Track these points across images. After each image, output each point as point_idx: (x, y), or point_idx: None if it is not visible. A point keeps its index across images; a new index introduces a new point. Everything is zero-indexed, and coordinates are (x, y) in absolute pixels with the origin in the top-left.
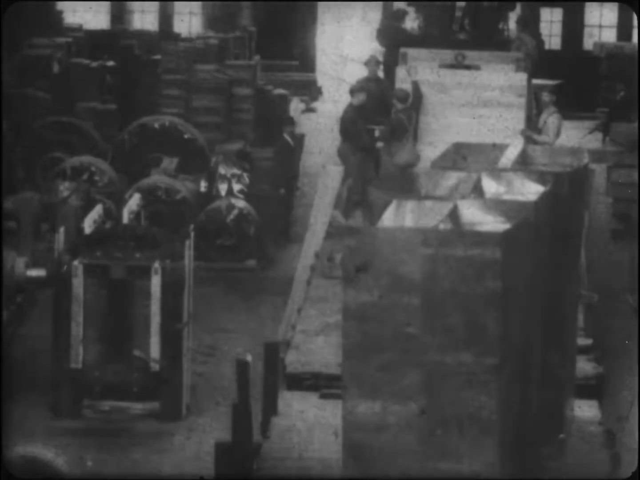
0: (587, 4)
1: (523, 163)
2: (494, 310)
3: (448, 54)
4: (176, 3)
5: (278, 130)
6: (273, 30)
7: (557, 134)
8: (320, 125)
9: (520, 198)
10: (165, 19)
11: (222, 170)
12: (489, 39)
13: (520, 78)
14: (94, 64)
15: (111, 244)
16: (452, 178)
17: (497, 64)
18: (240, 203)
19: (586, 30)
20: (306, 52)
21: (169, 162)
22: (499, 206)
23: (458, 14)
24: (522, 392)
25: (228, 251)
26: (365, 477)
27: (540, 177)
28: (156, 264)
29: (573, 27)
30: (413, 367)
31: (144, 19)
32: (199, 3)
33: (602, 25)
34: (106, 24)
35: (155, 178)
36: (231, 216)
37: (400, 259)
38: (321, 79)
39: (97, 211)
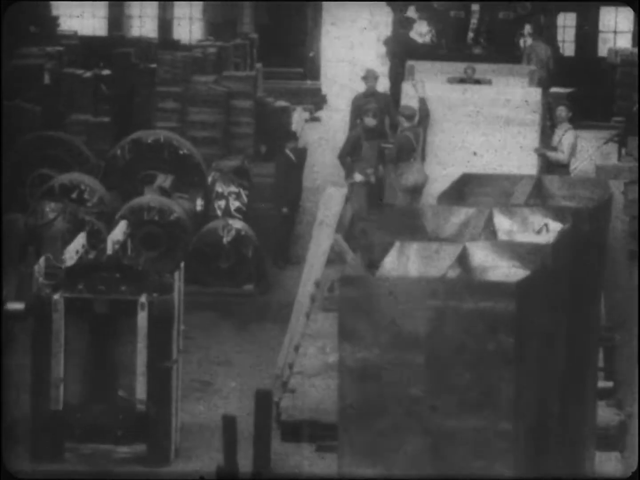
0: (602, 8)
1: (539, 196)
2: (506, 369)
3: (457, 67)
4: (177, 8)
5: (279, 144)
6: (276, 37)
7: (573, 152)
8: (325, 135)
9: (535, 238)
10: (165, 24)
11: (219, 188)
12: (505, 53)
13: (534, 93)
14: (87, 74)
15: (94, 276)
16: (460, 214)
17: (509, 77)
18: (238, 224)
19: (601, 36)
20: (310, 59)
21: (164, 180)
22: (513, 249)
23: (472, 26)
24: (539, 456)
25: (224, 275)
26: None
27: (559, 214)
28: (143, 298)
29: (587, 33)
30: (417, 433)
31: (143, 24)
32: (200, 8)
33: (617, 30)
34: (103, 30)
35: (148, 198)
36: (228, 238)
37: (403, 311)
38: (326, 87)
39: (80, 240)
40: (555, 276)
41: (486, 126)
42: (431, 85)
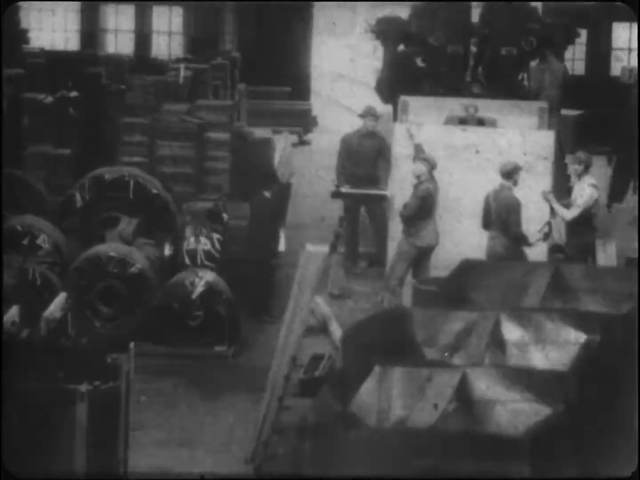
0: (615, 24)
1: (556, 289)
2: None
3: (456, 104)
4: (155, 21)
5: (260, 182)
6: (262, 52)
7: (585, 207)
8: (314, 162)
9: (553, 351)
10: (142, 40)
11: (189, 233)
12: (506, 93)
13: (546, 136)
14: (49, 99)
15: (26, 360)
16: (459, 320)
17: (516, 115)
18: (209, 275)
19: (613, 54)
20: (299, 77)
21: (127, 223)
22: (526, 377)
23: (471, 62)
24: None
25: (193, 334)
26: None
27: (583, 321)
28: (82, 387)
29: (599, 50)
30: None
31: (119, 39)
32: (180, 22)
33: (631, 48)
34: (76, 44)
35: (107, 247)
36: (198, 292)
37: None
38: (317, 107)
39: (12, 314)
40: (579, 412)
41: (492, 174)
42: (428, 128)
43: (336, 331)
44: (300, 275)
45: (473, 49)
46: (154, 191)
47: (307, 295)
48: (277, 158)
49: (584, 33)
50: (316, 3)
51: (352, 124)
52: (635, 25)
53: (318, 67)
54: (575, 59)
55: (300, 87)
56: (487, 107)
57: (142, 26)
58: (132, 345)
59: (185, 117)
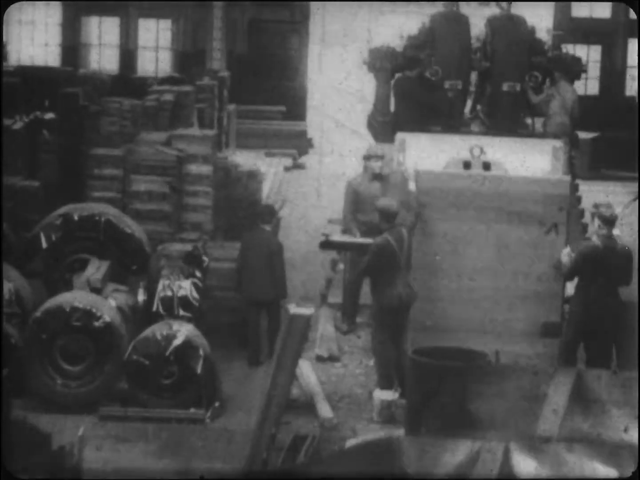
0: (631, 40)
1: (578, 398)
2: None
3: (459, 143)
4: (141, 36)
5: (247, 220)
6: (255, 69)
7: None
8: (309, 188)
9: None
10: (127, 55)
11: (165, 279)
12: (509, 131)
13: (562, 185)
14: (19, 125)
15: None
16: (460, 449)
17: (526, 156)
18: (186, 328)
19: (629, 72)
20: (295, 95)
21: (97, 268)
22: None
23: (470, 99)
24: None
25: (167, 394)
26: None
27: (612, 454)
28: None
29: (613, 68)
30: None
31: (103, 54)
32: (168, 37)
33: None
34: (57, 60)
35: (71, 296)
36: (172, 347)
37: None
38: (313, 127)
39: None
40: None
41: (499, 227)
42: (428, 174)
43: (322, 407)
44: (283, 340)
45: (473, 84)
46: (127, 231)
47: (290, 363)
48: (266, 189)
49: (597, 50)
50: (313, 16)
51: (350, 145)
52: None
53: (316, 82)
54: (588, 77)
55: (295, 106)
56: (493, 146)
57: (128, 40)
58: (81, 430)
59: (163, 148)
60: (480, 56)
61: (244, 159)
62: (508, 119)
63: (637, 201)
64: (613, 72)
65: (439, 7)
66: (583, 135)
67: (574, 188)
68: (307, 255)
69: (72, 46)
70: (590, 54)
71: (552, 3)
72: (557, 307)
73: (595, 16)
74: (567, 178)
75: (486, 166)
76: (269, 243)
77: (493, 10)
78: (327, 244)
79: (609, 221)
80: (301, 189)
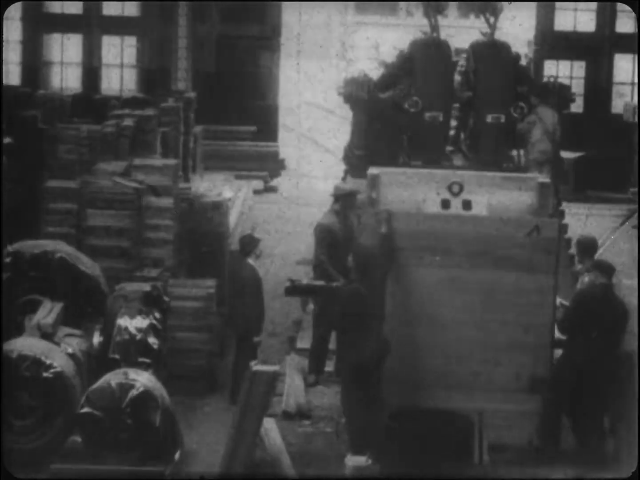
0: (618, 55)
1: None
2: None
3: (437, 178)
4: (105, 53)
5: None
6: (223, 88)
7: None
8: (281, 213)
9: None
10: (90, 73)
11: (121, 322)
12: (493, 164)
13: (549, 226)
14: None
15: None
16: None
17: (509, 192)
18: (143, 377)
19: (615, 89)
20: (266, 114)
21: (49, 310)
22: None
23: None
24: None
25: (123, 449)
26: None
27: None
28: None
29: (599, 85)
30: None
31: (66, 73)
32: (134, 54)
33: (634, 82)
34: (17, 79)
35: (18, 344)
36: (128, 398)
37: None
38: (285, 147)
39: None
40: None
41: (482, 273)
42: (402, 215)
43: (288, 472)
44: (244, 398)
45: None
46: (82, 269)
47: (253, 422)
48: (234, 215)
49: (582, 65)
50: (285, 30)
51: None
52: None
53: (288, 99)
54: (573, 94)
55: (266, 125)
56: (473, 181)
57: (91, 58)
58: None
59: (120, 179)
60: (463, 85)
61: (210, 184)
62: (492, 152)
63: (635, 228)
64: (598, 88)
65: (415, 21)
66: (567, 154)
67: (563, 227)
68: (277, 288)
69: (33, 65)
70: (574, 70)
71: (534, 14)
72: (545, 360)
73: (580, 30)
74: (556, 220)
75: (467, 205)
76: (251, 276)
77: (472, 22)
78: (293, 290)
79: (609, 270)
80: (273, 214)
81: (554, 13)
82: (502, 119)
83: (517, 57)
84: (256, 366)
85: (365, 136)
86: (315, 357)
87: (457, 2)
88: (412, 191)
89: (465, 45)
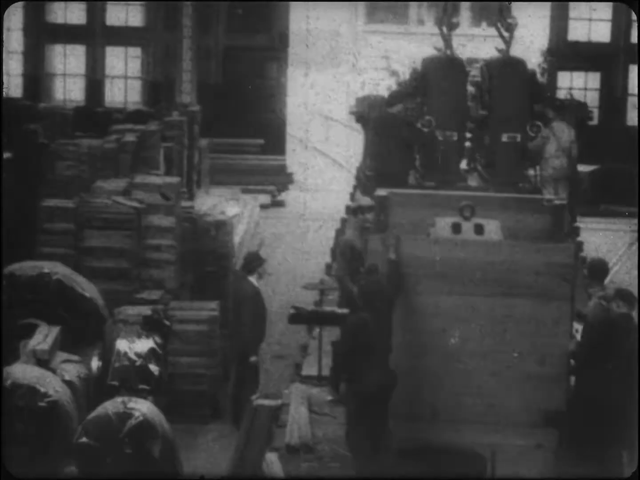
0: (632, 66)
1: None
2: None
3: (448, 201)
4: (109, 65)
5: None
6: (230, 100)
7: None
8: (289, 228)
9: None
10: (94, 85)
11: (121, 347)
12: (509, 185)
13: (564, 253)
14: None
15: None
16: None
17: (522, 215)
18: (142, 405)
19: (630, 100)
20: (274, 127)
21: (45, 334)
22: None
23: (468, 150)
24: None
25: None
26: None
27: None
28: None
29: (613, 96)
30: None
31: (68, 84)
32: (137, 66)
33: None
34: (19, 91)
35: (13, 371)
36: (127, 428)
37: None
38: (293, 160)
39: None
40: None
41: (494, 301)
42: (411, 240)
43: None
44: (245, 432)
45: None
46: (80, 292)
47: (254, 457)
48: (240, 231)
49: (597, 77)
50: (293, 41)
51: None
52: None
53: (296, 111)
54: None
55: (274, 138)
56: (486, 205)
57: (94, 70)
58: None
59: (120, 199)
60: (477, 104)
61: (215, 199)
62: (508, 172)
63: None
64: (613, 100)
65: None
66: (581, 168)
67: (578, 244)
68: (283, 308)
69: (35, 76)
70: (588, 81)
71: (548, 24)
72: (561, 392)
73: (594, 40)
74: (572, 245)
75: (478, 229)
76: (251, 294)
77: (485, 31)
78: (297, 317)
79: (631, 299)
80: (280, 230)
81: (567, 23)
82: (518, 139)
83: (533, 74)
84: (258, 400)
85: (376, 156)
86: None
87: (469, 11)
88: (421, 214)
89: (477, 54)
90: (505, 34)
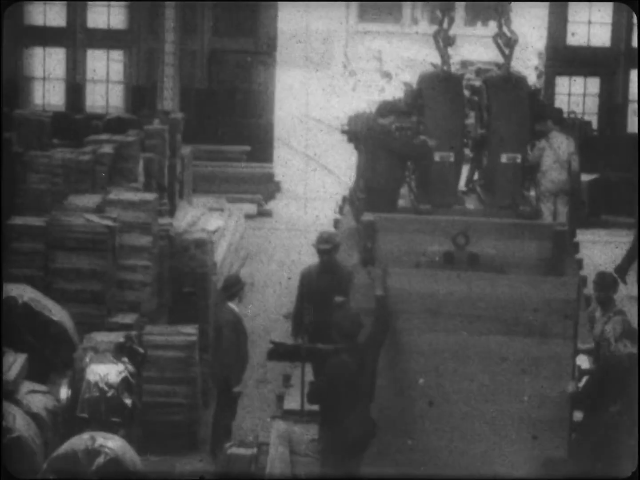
0: (634, 72)
1: None
2: None
3: (440, 227)
4: (90, 68)
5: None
6: (215, 105)
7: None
8: (276, 240)
9: None
10: (74, 89)
11: (92, 376)
12: (508, 207)
13: (567, 287)
14: None
15: None
16: None
17: (521, 243)
18: (112, 442)
19: (631, 107)
20: (261, 134)
21: (11, 362)
22: None
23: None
24: None
25: None
26: None
27: None
28: None
29: (613, 102)
30: None
31: (48, 88)
32: (119, 70)
33: None
34: None
35: None
36: (95, 466)
37: None
38: (279, 169)
39: None
40: None
41: (491, 339)
42: (400, 274)
43: None
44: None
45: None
46: (49, 316)
47: None
48: (224, 245)
49: (596, 82)
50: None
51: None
52: None
53: (284, 115)
54: (586, 113)
55: (261, 145)
56: (482, 231)
57: (75, 73)
58: None
59: (92, 217)
60: (476, 123)
61: (199, 211)
62: (508, 194)
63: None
64: (613, 106)
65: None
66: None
67: (578, 262)
68: (268, 328)
69: (13, 80)
70: (587, 86)
71: (546, 27)
72: (563, 438)
73: (594, 44)
74: (575, 279)
75: (473, 259)
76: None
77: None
78: (275, 354)
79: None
80: (266, 241)
81: (566, 27)
82: (518, 159)
83: (535, 91)
84: (231, 448)
85: (369, 176)
86: None
87: (464, 10)
88: (412, 241)
89: (472, 55)
90: (505, 50)
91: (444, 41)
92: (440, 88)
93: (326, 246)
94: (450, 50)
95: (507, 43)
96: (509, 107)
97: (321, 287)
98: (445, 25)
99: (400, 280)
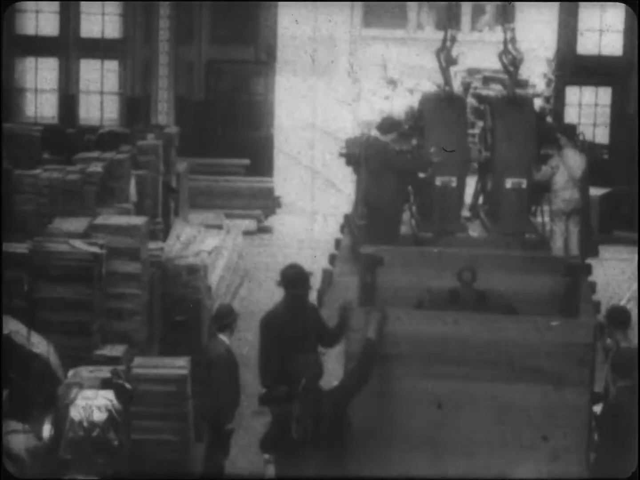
0: None
1: None
2: None
3: (444, 261)
4: (84, 79)
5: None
6: (213, 117)
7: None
8: (276, 258)
9: None
10: (68, 100)
11: (75, 414)
12: (514, 235)
13: (582, 328)
14: None
15: None
16: None
17: (531, 278)
18: None
19: None
20: (260, 147)
21: None
22: None
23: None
24: None
25: None
26: None
27: None
28: None
29: (626, 114)
30: None
31: (40, 100)
32: (114, 81)
33: None
34: None
35: None
36: None
37: None
38: (280, 183)
39: None
40: None
41: (499, 388)
42: (397, 315)
43: None
44: None
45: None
46: (32, 349)
47: None
48: (221, 264)
49: (608, 92)
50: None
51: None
52: None
53: (285, 126)
54: (597, 124)
55: (261, 158)
56: (490, 266)
57: (68, 84)
58: None
59: (77, 243)
60: (480, 146)
61: (195, 229)
62: (513, 221)
63: None
64: (625, 117)
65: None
66: (591, 191)
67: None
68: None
69: (4, 92)
70: (598, 97)
71: (555, 33)
72: None
73: (605, 53)
74: (592, 321)
75: (480, 299)
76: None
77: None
78: (268, 398)
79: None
80: (266, 260)
81: (576, 35)
82: (524, 185)
83: (542, 112)
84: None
85: (370, 197)
86: None
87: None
88: (414, 277)
89: (478, 63)
90: (510, 69)
91: (446, 61)
92: (442, 108)
93: (305, 289)
94: (455, 54)
95: (512, 62)
96: (515, 130)
97: (292, 334)
98: (447, 44)
99: (397, 322)
